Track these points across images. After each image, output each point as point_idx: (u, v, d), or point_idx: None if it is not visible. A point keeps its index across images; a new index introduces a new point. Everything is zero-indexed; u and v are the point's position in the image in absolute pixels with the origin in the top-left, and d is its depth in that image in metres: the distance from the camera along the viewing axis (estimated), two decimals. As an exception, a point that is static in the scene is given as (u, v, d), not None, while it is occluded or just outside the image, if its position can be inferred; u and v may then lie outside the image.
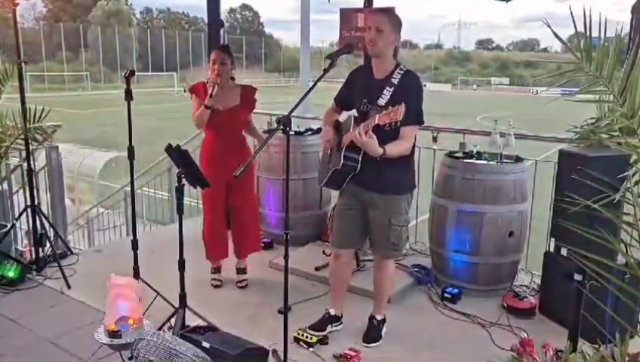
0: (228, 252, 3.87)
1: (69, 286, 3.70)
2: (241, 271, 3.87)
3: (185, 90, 45.18)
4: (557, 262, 2.71)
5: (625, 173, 1.69)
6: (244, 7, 73.34)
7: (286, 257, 2.62)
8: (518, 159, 3.67)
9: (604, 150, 1.88)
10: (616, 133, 1.94)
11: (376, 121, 2.57)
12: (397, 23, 2.79)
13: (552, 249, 1.90)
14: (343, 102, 3.02)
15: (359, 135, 2.59)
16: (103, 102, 36.90)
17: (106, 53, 50.70)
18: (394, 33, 2.77)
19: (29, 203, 3.94)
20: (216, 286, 3.80)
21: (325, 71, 2.65)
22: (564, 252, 1.82)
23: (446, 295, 3.60)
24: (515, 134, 3.66)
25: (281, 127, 2.40)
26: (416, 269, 3.93)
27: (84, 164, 13.27)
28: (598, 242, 1.54)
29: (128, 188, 6.83)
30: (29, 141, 3.84)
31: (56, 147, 4.22)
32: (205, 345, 2.67)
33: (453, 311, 3.49)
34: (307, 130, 4.70)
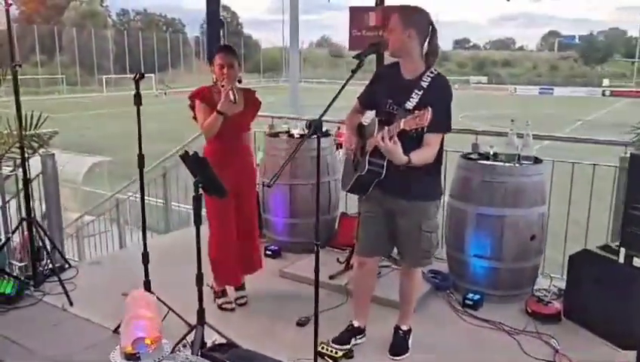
0: (240, 275, 3.57)
1: (71, 303, 3.49)
2: (240, 287, 3.62)
3: (165, 93, 44.79)
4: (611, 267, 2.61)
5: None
6: (223, 8, 72.43)
7: (316, 270, 2.50)
8: (537, 160, 3.59)
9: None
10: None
11: (402, 126, 2.40)
12: (414, 20, 2.60)
13: (621, 260, 1.81)
14: (367, 101, 2.87)
15: (382, 141, 2.44)
16: (80, 105, 36.24)
17: (81, 56, 49.77)
18: (410, 30, 2.58)
19: (24, 214, 3.72)
20: (231, 310, 3.47)
21: (353, 72, 2.51)
22: (637, 263, 1.72)
23: (467, 301, 3.49)
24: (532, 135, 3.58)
25: (313, 131, 2.29)
26: (432, 275, 3.81)
27: (66, 169, 12.91)
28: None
29: (119, 196, 6.66)
30: (25, 149, 3.62)
31: (53, 155, 4.00)
32: (229, 364, 2.52)
33: (476, 318, 3.37)
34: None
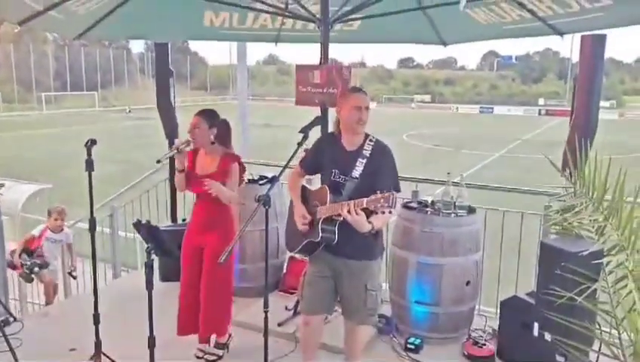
0: (195, 328, 3.57)
1: (16, 361, 3.45)
2: (219, 345, 3.65)
3: (129, 111, 43.35)
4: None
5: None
6: (168, 24, 71.83)
7: (265, 335, 2.61)
8: (471, 210, 3.85)
9: (581, 242, 2.05)
10: (588, 226, 2.11)
11: (365, 205, 2.53)
12: None
13: (535, 333, 2.04)
14: (311, 168, 3.05)
15: (349, 214, 2.57)
16: (17, 124, 34.88)
17: (19, 72, 47.91)
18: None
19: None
20: (198, 357, 3.55)
21: (299, 145, 2.70)
22: (548, 337, 1.95)
23: (409, 346, 3.69)
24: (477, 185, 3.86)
25: (262, 204, 2.47)
26: (377, 319, 3.99)
27: (3, 198, 12.40)
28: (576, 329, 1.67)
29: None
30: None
31: (-3, 209, 3.95)
32: None
33: (417, 362, 3.59)
34: (261, 178, 4.68)
